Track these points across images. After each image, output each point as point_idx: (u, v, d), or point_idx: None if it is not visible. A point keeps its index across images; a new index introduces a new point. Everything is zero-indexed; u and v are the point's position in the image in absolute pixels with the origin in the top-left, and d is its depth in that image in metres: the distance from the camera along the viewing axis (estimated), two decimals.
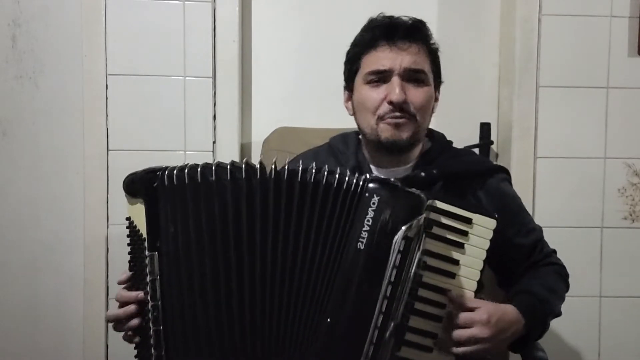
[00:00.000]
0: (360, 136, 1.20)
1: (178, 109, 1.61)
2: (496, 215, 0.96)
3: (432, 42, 1.14)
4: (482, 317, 0.92)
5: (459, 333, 0.91)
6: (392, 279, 0.83)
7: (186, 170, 0.87)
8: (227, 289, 0.85)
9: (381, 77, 1.09)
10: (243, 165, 0.86)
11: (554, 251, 1.21)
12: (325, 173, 0.87)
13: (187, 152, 1.62)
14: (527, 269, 1.15)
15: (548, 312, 1.07)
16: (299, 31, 1.73)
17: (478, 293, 0.95)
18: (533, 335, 1.04)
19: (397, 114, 1.07)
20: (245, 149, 1.71)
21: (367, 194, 0.85)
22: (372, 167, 1.16)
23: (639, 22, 1.63)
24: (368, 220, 0.83)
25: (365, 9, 1.71)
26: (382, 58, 1.09)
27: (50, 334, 1.63)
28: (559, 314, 1.12)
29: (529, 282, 1.10)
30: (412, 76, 1.08)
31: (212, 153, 1.62)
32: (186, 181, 0.87)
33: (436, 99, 1.16)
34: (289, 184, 0.86)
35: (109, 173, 1.60)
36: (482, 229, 0.94)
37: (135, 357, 0.93)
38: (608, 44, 1.65)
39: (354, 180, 0.86)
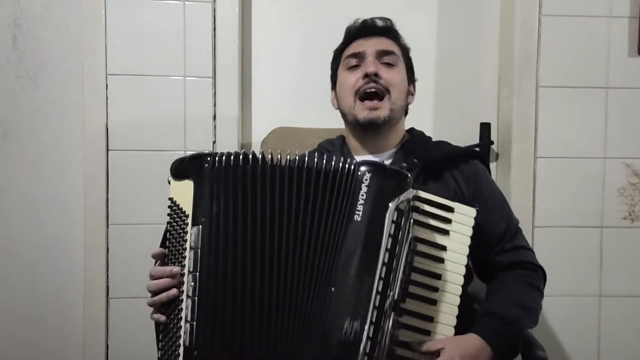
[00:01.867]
0: (345, 139, 1.31)
1: (178, 109, 1.61)
2: (476, 205, 1.02)
3: (402, 40, 1.28)
4: None
5: None
6: (389, 247, 0.89)
7: (232, 157, 0.97)
8: (255, 261, 0.93)
9: (358, 61, 1.22)
10: (270, 154, 0.97)
11: (531, 250, 1.21)
12: (324, 162, 0.96)
13: (187, 152, 1.61)
14: (497, 257, 1.16)
15: (517, 331, 1.08)
16: (299, 31, 1.73)
17: (467, 284, 1.01)
18: (504, 358, 1.04)
19: (372, 84, 1.18)
20: (245, 149, 1.70)
21: (359, 174, 0.94)
22: (356, 157, 1.23)
23: (639, 22, 1.64)
24: (362, 195, 0.92)
25: (365, 9, 1.72)
26: (357, 45, 1.25)
27: (50, 334, 1.63)
28: (531, 327, 1.13)
29: (495, 300, 1.11)
30: (383, 57, 1.21)
31: None
32: (231, 164, 0.96)
33: (412, 94, 1.29)
34: (299, 170, 0.95)
35: (109, 173, 1.60)
36: (463, 217, 1.02)
37: (161, 333, 0.97)
38: (608, 44, 1.65)
39: (347, 165, 0.95)
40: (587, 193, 1.67)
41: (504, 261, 1.17)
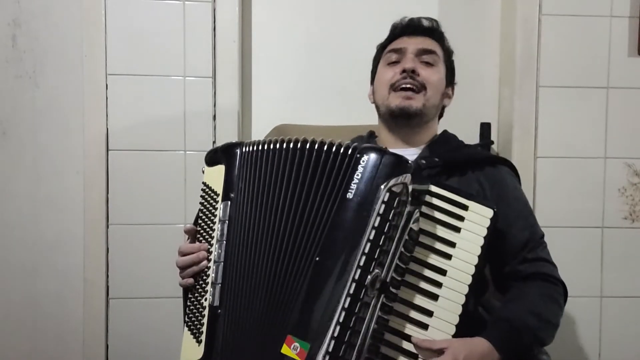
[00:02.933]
0: (375, 134, 1.32)
1: (178, 109, 1.61)
2: (494, 207, 1.01)
3: (447, 43, 1.30)
4: (448, 359, 0.92)
5: None
6: (376, 225, 0.91)
7: (259, 143, 1.05)
8: (269, 231, 0.99)
9: (398, 57, 1.24)
10: (287, 138, 1.03)
11: (554, 264, 1.16)
12: (327, 143, 1.00)
13: (187, 152, 1.62)
14: (517, 267, 1.12)
15: (529, 341, 1.05)
16: (299, 31, 1.73)
17: (482, 293, 0.97)
18: None
19: (408, 80, 1.20)
20: None
21: (358, 155, 0.96)
22: None
23: (639, 22, 1.63)
24: (357, 175, 0.95)
25: (365, 9, 1.73)
26: (399, 42, 1.27)
27: (50, 334, 1.63)
28: (544, 343, 1.08)
29: (512, 307, 1.08)
30: (424, 55, 1.23)
31: None
32: (258, 148, 1.04)
33: (449, 97, 1.31)
34: (309, 151, 1.00)
35: (109, 173, 1.60)
36: (478, 217, 1.01)
37: (188, 299, 1.06)
38: (608, 44, 1.65)
39: (350, 147, 0.98)
40: (588, 193, 1.66)
41: (525, 271, 1.13)
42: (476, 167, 1.19)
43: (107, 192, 1.61)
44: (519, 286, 1.12)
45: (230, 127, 1.62)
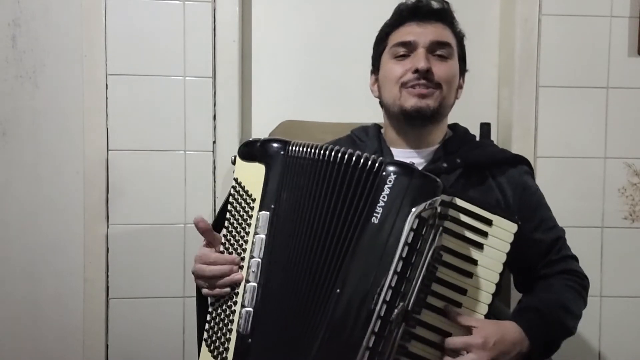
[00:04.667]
0: (381, 129, 1.23)
1: (178, 109, 1.61)
2: (518, 221, 0.94)
3: (457, 26, 1.18)
4: (478, 341, 0.89)
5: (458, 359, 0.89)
6: (404, 255, 0.84)
7: (305, 148, 0.94)
8: (306, 253, 0.90)
9: (407, 51, 1.12)
10: (330, 147, 0.93)
11: (576, 258, 1.15)
12: (347, 153, 0.91)
13: (187, 152, 1.62)
14: (543, 270, 1.10)
15: (558, 332, 1.03)
16: (299, 31, 1.73)
17: (495, 297, 0.94)
18: (540, 356, 1.00)
19: (422, 81, 1.09)
20: None
21: (384, 173, 0.88)
22: (392, 150, 1.17)
23: (639, 22, 1.63)
24: (384, 197, 0.87)
25: (365, 8, 1.73)
26: (408, 32, 1.13)
27: (50, 334, 1.63)
28: (571, 333, 1.06)
29: (540, 296, 1.06)
30: (437, 50, 1.11)
31: (212, 153, 1.62)
32: (307, 153, 0.93)
33: (461, 87, 1.19)
34: (332, 164, 0.91)
35: (109, 173, 1.60)
36: (502, 232, 0.94)
37: (209, 314, 0.95)
38: (608, 44, 1.65)
39: (372, 162, 0.89)
40: (588, 193, 1.66)
41: (551, 273, 1.11)
42: (496, 169, 1.13)
43: (107, 192, 1.61)
44: (546, 280, 1.10)
45: (230, 127, 1.62)
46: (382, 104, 1.19)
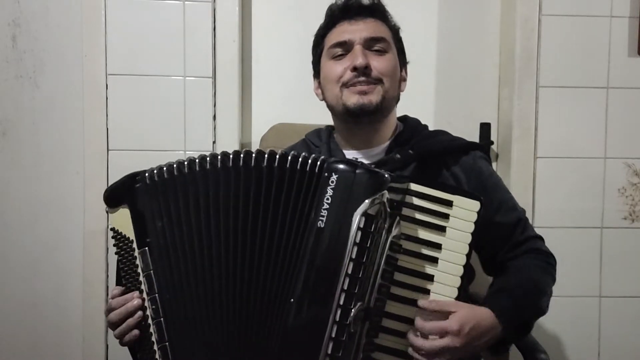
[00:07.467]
0: (333, 131, 1.23)
1: (178, 109, 1.61)
2: (480, 197, 0.93)
3: (391, 19, 1.17)
4: (454, 327, 0.88)
5: (429, 344, 0.88)
6: (354, 256, 0.83)
7: (165, 168, 0.93)
8: (212, 268, 0.89)
9: (344, 50, 1.12)
10: (219, 155, 0.91)
11: (540, 238, 1.15)
12: (290, 157, 0.89)
13: (187, 152, 1.62)
14: (509, 253, 1.10)
15: (529, 313, 1.03)
16: (299, 31, 1.73)
17: (468, 283, 0.92)
18: (513, 339, 1.01)
19: (362, 78, 1.08)
20: (245, 149, 1.70)
21: (326, 174, 0.85)
22: (344, 151, 1.16)
23: (639, 22, 1.63)
24: (327, 199, 0.84)
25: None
26: (342, 32, 1.13)
27: (50, 333, 1.63)
28: (543, 312, 1.05)
29: (509, 279, 1.05)
30: (373, 45, 1.11)
31: None
32: (166, 177, 0.92)
33: (404, 79, 1.19)
34: (257, 169, 0.89)
35: (109, 173, 1.60)
36: (464, 212, 0.92)
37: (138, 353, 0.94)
38: (608, 44, 1.65)
39: (313, 162, 0.88)
40: (587, 193, 1.66)
41: (518, 254, 1.10)
42: (450, 158, 1.12)
43: None
44: (513, 262, 1.09)
45: (230, 127, 1.62)
46: (328, 105, 1.19)
